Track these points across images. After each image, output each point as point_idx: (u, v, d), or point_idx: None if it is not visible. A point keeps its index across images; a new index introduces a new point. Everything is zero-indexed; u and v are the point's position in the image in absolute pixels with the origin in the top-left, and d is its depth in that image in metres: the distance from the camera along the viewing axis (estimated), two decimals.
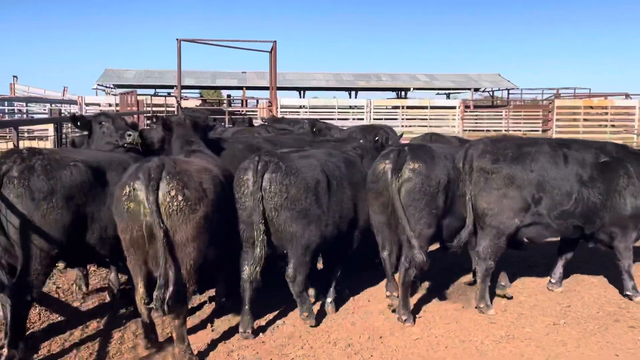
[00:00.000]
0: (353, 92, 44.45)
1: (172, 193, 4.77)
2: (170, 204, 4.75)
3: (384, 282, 7.10)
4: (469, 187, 6.25)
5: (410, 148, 6.29)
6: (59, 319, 6.23)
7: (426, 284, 7.22)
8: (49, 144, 8.26)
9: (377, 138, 7.93)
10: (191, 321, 6.10)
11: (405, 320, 6.08)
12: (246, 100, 39.17)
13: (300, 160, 5.91)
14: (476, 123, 29.04)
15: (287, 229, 5.64)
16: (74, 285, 7.22)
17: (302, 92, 44.05)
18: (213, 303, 6.62)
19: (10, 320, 4.94)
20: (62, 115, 10.55)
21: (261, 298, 6.10)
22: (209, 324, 6.13)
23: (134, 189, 4.78)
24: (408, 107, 25.62)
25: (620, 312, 6.32)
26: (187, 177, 4.92)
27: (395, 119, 24.24)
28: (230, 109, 28.38)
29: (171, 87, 41.13)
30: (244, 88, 41.56)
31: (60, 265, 7.63)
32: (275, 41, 25.03)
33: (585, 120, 26.40)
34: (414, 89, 42.67)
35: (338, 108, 25.31)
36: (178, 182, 4.81)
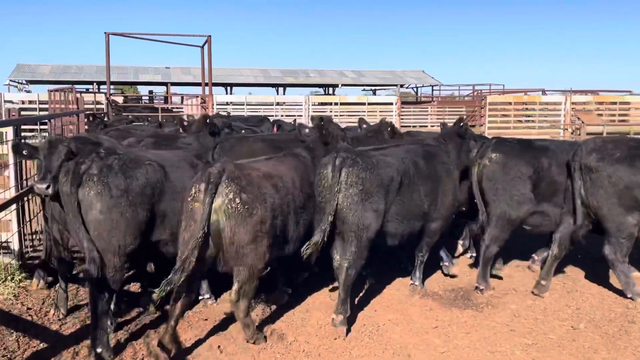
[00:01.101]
0: (281, 89, 43.92)
1: (230, 196, 5.06)
2: (227, 206, 5.06)
3: (378, 288, 6.99)
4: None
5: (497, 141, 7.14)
6: (42, 345, 5.50)
7: (428, 289, 6.98)
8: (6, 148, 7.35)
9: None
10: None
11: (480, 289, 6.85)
12: (171, 97, 37.87)
13: (378, 157, 6.13)
14: (401, 119, 29.24)
15: (356, 220, 5.80)
16: (44, 304, 6.47)
17: (228, 88, 43.04)
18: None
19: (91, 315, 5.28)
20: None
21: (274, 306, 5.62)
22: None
23: (198, 190, 5.06)
24: (344, 104, 25.39)
25: (631, 313, 6.25)
26: (246, 181, 5.21)
27: (335, 115, 23.93)
28: (163, 106, 27.08)
29: (90, 82, 39.21)
30: (169, 84, 40.20)
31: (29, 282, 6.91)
32: (209, 36, 24.15)
33: (515, 116, 27.09)
34: (342, 85, 42.60)
35: (276, 104, 24.74)
36: (236, 186, 5.11)
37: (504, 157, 6.90)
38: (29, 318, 6.12)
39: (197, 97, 32.35)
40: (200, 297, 6.54)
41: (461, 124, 7.42)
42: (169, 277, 4.86)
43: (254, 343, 5.55)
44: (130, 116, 18.03)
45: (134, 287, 7.10)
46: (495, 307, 6.48)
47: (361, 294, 6.88)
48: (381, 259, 7.84)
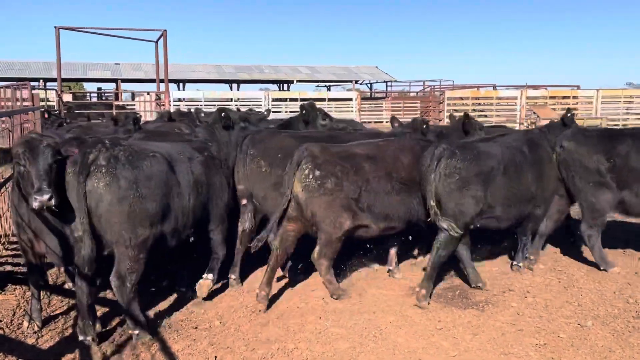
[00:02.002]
0: (235, 85, 43.25)
1: (306, 172, 6.12)
2: (304, 180, 6.13)
3: (372, 290, 6.73)
4: None
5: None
6: None
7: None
8: None
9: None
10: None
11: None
12: (121, 94, 36.81)
13: (481, 148, 6.56)
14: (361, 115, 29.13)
15: (452, 206, 6.29)
16: (14, 315, 5.94)
17: (180, 84, 42.10)
18: None
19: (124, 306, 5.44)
20: None
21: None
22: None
23: (289, 165, 6.23)
24: (304, 99, 25.03)
25: (633, 308, 6.13)
26: (323, 160, 6.17)
27: (296, 111, 23.54)
28: (118, 103, 26.13)
29: (37, 79, 37.66)
30: (119, 81, 39.05)
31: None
32: (165, 30, 23.49)
33: (473, 110, 27.30)
34: (297, 81, 42.26)
35: (235, 100, 24.21)
36: (312, 164, 6.13)
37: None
38: (0, 332, 5.58)
39: (149, 93, 31.54)
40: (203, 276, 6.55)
41: (568, 114, 7.90)
42: (261, 234, 6.25)
43: (336, 298, 6.32)
44: (90, 113, 17.29)
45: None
46: (496, 305, 6.26)
47: (356, 296, 6.56)
48: (370, 259, 7.59)
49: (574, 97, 29.05)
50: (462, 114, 8.87)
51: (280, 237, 6.35)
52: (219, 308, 6.29)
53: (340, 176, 6.17)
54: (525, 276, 7.16)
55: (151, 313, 6.15)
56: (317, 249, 6.31)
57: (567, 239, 8.27)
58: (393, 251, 7.27)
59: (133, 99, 36.65)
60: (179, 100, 24.76)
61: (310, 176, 6.11)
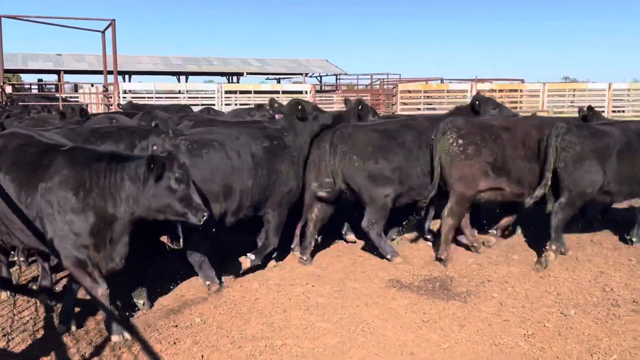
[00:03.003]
0: (183, 77, 42.44)
1: (449, 141, 7.19)
2: (446, 148, 7.19)
3: (351, 283, 6.66)
4: None
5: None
6: None
7: (402, 281, 6.69)
8: None
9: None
10: None
11: None
12: (63, 86, 35.53)
13: (597, 129, 7.36)
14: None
15: (567, 177, 7.13)
16: None
17: (126, 76, 40.99)
18: None
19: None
20: None
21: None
22: None
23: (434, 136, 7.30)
24: (258, 92, 24.78)
25: (610, 296, 6.22)
26: (465, 131, 7.26)
27: (249, 104, 23.22)
28: (62, 95, 25.17)
29: None
30: (62, 72, 37.67)
31: None
32: (113, 20, 22.78)
33: (425, 103, 27.60)
34: (247, 73, 41.77)
35: (187, 92, 23.72)
36: (456, 134, 7.21)
37: None
38: None
39: (93, 85, 30.59)
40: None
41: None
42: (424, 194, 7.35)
43: (440, 260, 7.26)
44: (31, 105, 16.54)
45: None
46: (478, 296, 6.27)
47: (335, 289, 6.47)
48: (350, 252, 7.51)
49: (521, 91, 29.74)
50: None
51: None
52: (199, 305, 6.07)
53: (479, 144, 7.16)
54: (501, 267, 7.21)
55: (128, 312, 5.88)
56: (447, 207, 7.24)
57: (537, 229, 8.36)
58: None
59: (76, 90, 35.48)
60: (128, 92, 24.05)
61: (454, 144, 7.11)
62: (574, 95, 31.19)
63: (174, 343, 5.19)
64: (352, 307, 5.99)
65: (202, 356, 4.97)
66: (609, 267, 7.11)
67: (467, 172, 7.22)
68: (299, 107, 7.37)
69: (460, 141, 7.18)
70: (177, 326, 5.57)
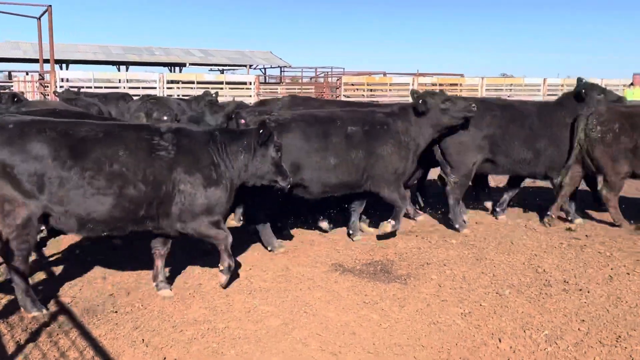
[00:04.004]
0: (123, 67, 41.47)
1: (590, 126, 8.14)
2: (588, 132, 8.15)
3: (295, 267, 6.70)
4: None
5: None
6: None
7: (345, 265, 6.78)
8: None
9: None
10: None
11: None
12: None
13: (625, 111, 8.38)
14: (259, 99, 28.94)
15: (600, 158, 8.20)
16: None
17: (64, 65, 39.76)
18: None
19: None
20: None
21: None
22: None
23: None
24: (201, 82, 24.45)
25: (542, 277, 6.48)
26: (605, 118, 8.14)
27: (191, 94, 22.89)
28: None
29: None
30: None
31: None
32: (50, 6, 21.98)
33: (368, 96, 27.88)
34: (189, 64, 41.17)
35: (127, 81, 23.20)
36: (596, 120, 8.13)
37: None
38: None
39: (28, 73, 29.54)
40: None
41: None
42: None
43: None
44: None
45: None
46: (417, 278, 6.42)
47: (279, 274, 6.51)
48: (295, 238, 7.55)
49: (460, 85, 30.41)
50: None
51: (570, 176, 8.36)
52: (139, 291, 5.99)
53: (617, 132, 7.99)
54: (440, 250, 7.40)
55: (66, 299, 5.75)
56: (604, 188, 8.35)
57: (476, 215, 8.61)
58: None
59: (10, 79, 34.21)
60: (66, 80, 23.36)
61: (594, 130, 8.04)
62: (510, 89, 32.11)
63: (113, 328, 5.11)
64: (295, 291, 6.04)
65: (143, 340, 4.92)
66: (542, 251, 7.39)
67: (608, 157, 8.12)
68: (421, 100, 7.69)
69: (601, 127, 8.06)
70: (116, 312, 5.48)
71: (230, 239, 5.88)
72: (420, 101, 7.65)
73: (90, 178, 5.16)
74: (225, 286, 6.02)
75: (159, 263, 6.02)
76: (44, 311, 5.32)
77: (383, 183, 7.50)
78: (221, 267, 5.90)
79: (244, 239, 7.62)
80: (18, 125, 5.18)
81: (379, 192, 7.56)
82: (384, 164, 7.44)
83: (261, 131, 5.87)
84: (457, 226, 8.23)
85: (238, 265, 6.74)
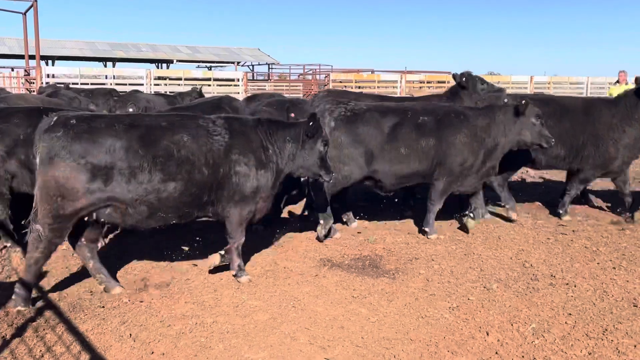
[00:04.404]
0: (110, 63, 41.19)
1: None
2: None
3: (282, 262, 6.63)
4: None
5: None
6: None
7: (333, 260, 6.78)
8: None
9: None
10: None
11: None
12: None
13: None
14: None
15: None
16: None
17: (50, 61, 39.43)
18: None
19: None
20: None
21: None
22: None
23: None
24: (189, 79, 24.33)
25: (529, 271, 6.51)
26: None
27: (174, 91, 22.80)
28: None
29: None
30: None
31: None
32: (35, 1, 21.83)
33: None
34: (177, 60, 41.01)
35: (114, 77, 23.05)
36: None
37: None
38: None
39: (13, 69, 29.31)
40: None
41: None
42: None
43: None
44: None
45: None
46: (405, 273, 6.43)
47: (267, 269, 6.50)
48: (284, 234, 7.54)
49: (449, 82, 30.47)
50: None
51: None
52: (126, 286, 5.96)
53: None
54: (428, 246, 7.42)
55: (53, 295, 5.71)
56: None
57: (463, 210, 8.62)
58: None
59: None
60: (52, 76, 23.15)
61: None
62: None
63: (100, 323, 5.08)
64: (283, 286, 6.04)
65: (130, 335, 4.89)
66: (529, 246, 7.44)
67: None
68: (508, 101, 7.87)
69: None
70: (103, 307, 5.46)
71: (242, 240, 6.09)
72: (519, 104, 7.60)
73: (161, 165, 5.39)
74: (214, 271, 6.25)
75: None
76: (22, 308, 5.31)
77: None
78: (233, 272, 6.16)
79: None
80: (83, 120, 5.37)
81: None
82: (454, 155, 7.51)
83: (311, 124, 6.06)
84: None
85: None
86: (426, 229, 7.73)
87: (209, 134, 5.69)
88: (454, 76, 9.78)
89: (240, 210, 5.91)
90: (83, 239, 5.81)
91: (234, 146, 5.76)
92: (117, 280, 5.97)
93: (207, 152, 5.61)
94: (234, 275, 6.09)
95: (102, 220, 5.49)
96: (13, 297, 5.29)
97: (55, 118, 5.31)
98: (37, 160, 5.21)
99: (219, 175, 5.70)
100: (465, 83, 9.49)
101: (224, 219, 5.95)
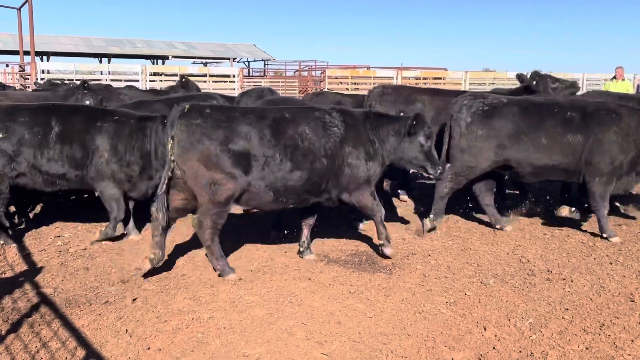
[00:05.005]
0: (105, 59, 41.05)
1: None
2: None
3: (277, 258, 6.64)
4: None
5: None
6: None
7: (330, 256, 6.77)
8: None
9: None
10: None
11: None
12: None
13: None
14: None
15: None
16: None
17: (45, 57, 39.24)
18: None
19: None
20: None
21: None
22: None
23: None
24: (184, 75, 24.19)
25: (526, 267, 6.51)
26: None
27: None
28: None
29: None
30: None
31: None
32: None
33: (352, 90, 27.81)
34: (172, 57, 40.91)
35: (110, 73, 22.93)
36: None
37: None
38: None
39: (8, 65, 29.18)
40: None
41: None
42: None
43: None
44: None
45: None
46: (402, 268, 6.42)
47: (264, 264, 6.48)
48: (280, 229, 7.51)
49: (444, 78, 30.47)
50: None
51: None
52: (123, 282, 5.93)
53: None
54: (425, 241, 7.41)
55: (48, 290, 5.68)
56: None
57: (460, 205, 8.61)
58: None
59: None
60: (47, 72, 23.05)
61: None
62: (494, 83, 32.23)
63: (96, 319, 5.06)
64: (280, 281, 6.02)
65: (126, 330, 4.87)
66: (526, 241, 7.44)
67: None
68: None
69: None
70: (99, 303, 5.42)
71: (383, 211, 6.55)
72: None
73: (290, 154, 5.86)
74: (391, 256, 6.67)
75: (307, 232, 6.75)
76: (233, 275, 6.00)
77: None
78: (380, 241, 6.65)
79: (227, 229, 7.58)
80: (218, 109, 5.95)
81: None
82: (603, 153, 7.34)
83: (414, 122, 6.36)
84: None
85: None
86: (604, 235, 7.47)
87: (326, 126, 6.10)
88: (520, 77, 9.43)
89: (360, 197, 6.34)
90: None
91: (348, 138, 6.15)
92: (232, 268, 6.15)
93: (326, 143, 6.04)
94: (381, 245, 6.64)
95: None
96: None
97: (187, 106, 5.77)
98: (175, 147, 5.66)
99: (335, 166, 6.11)
100: (536, 86, 9.12)
101: (352, 204, 6.41)
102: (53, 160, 6.73)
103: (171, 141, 5.68)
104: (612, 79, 15.86)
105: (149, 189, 7.10)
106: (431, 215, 7.69)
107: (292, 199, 6.10)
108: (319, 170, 6.04)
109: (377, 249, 7.03)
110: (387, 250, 6.62)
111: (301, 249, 6.71)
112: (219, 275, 6.00)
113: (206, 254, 6.25)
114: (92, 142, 6.82)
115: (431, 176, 6.75)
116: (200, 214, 5.87)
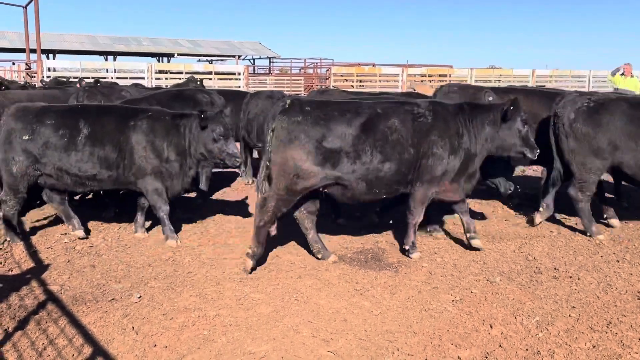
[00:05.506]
0: (111, 57, 41.13)
1: None
2: None
3: (283, 257, 6.62)
4: None
5: None
6: None
7: (335, 253, 6.76)
8: None
9: None
10: None
11: None
12: None
13: None
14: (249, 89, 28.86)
15: None
16: None
17: (50, 55, 39.36)
18: None
19: None
20: None
21: None
22: None
23: None
24: (190, 73, 24.27)
25: (532, 264, 6.49)
26: None
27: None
28: None
29: None
30: None
31: None
32: None
33: (357, 87, 27.83)
34: (177, 54, 40.95)
35: (115, 71, 23.02)
36: None
37: None
38: None
39: (14, 63, 29.28)
40: None
41: None
42: None
43: None
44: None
45: None
46: (408, 266, 6.42)
47: (270, 262, 6.48)
48: (284, 228, 7.51)
49: (450, 75, 30.46)
50: None
51: None
52: (129, 279, 5.95)
53: None
54: (430, 239, 7.40)
55: (55, 287, 5.70)
56: None
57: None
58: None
59: None
60: (53, 70, 23.15)
61: None
62: (499, 80, 32.23)
63: (103, 316, 5.07)
64: (285, 279, 6.02)
65: (133, 327, 4.88)
66: (532, 239, 7.42)
67: None
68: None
69: None
70: (106, 300, 5.44)
71: (420, 219, 6.63)
72: None
73: (380, 148, 6.01)
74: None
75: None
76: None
77: None
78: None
79: (229, 228, 7.61)
80: (318, 106, 6.09)
81: None
82: None
83: (510, 107, 6.39)
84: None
85: (228, 254, 6.73)
86: None
87: (414, 117, 6.21)
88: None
89: (426, 190, 6.37)
90: (304, 210, 6.49)
91: (434, 129, 6.21)
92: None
93: (413, 133, 6.14)
94: (406, 250, 6.64)
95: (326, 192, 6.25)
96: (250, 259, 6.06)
97: (289, 102, 6.01)
98: (273, 139, 5.86)
99: (420, 155, 6.19)
100: None
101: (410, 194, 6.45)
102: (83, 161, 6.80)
103: (270, 134, 5.89)
104: (620, 74, 15.74)
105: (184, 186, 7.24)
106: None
107: (383, 189, 6.27)
108: (407, 161, 6.15)
109: (383, 246, 7.03)
110: (414, 255, 6.63)
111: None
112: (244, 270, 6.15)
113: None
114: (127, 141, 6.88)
115: (530, 158, 6.70)
116: (269, 195, 6.00)
